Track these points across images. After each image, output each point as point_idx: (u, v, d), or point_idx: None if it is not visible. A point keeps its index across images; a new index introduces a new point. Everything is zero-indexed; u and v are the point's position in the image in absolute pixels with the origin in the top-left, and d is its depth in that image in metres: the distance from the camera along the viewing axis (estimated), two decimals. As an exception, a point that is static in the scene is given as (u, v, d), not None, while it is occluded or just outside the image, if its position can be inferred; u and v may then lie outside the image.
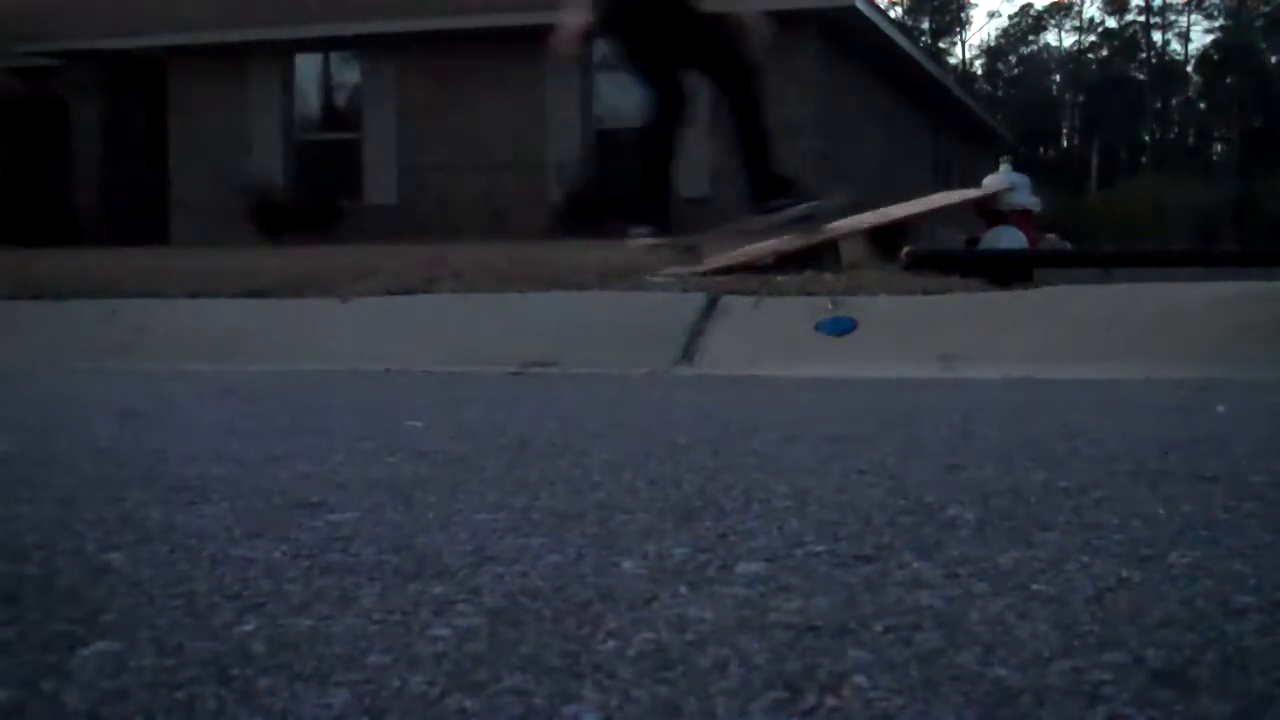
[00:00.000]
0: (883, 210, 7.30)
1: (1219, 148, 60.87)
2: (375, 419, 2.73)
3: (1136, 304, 3.78)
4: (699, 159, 17.78)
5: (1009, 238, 6.91)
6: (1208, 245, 32.69)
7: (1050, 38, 68.38)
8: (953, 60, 65.38)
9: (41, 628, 1.15)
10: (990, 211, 7.17)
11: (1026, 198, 7.20)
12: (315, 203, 17.61)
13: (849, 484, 1.82)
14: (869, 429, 2.43)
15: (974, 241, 7.04)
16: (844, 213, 6.75)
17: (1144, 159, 58.24)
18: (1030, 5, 78.31)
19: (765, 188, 6.15)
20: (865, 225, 7.18)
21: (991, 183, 7.29)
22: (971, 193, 7.42)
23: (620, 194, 16.36)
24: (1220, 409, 2.64)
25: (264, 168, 18.08)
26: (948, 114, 26.99)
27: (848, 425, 2.51)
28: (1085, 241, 29.60)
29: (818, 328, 3.78)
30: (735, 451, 2.15)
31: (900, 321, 3.82)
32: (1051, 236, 7.60)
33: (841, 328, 3.75)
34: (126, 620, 1.17)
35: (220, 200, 17.96)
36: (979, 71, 66.56)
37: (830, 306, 3.86)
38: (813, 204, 6.21)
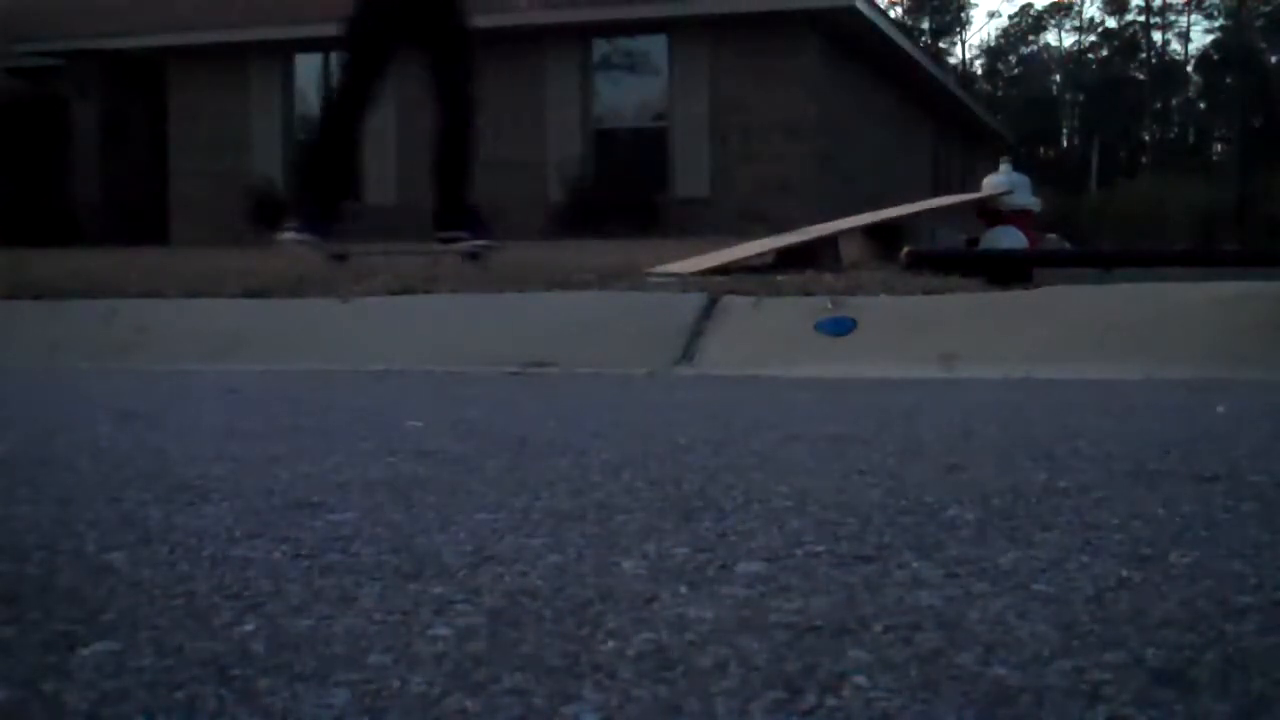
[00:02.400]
0: (883, 211, 7.31)
1: (1219, 147, 60.83)
2: (375, 419, 2.73)
3: (1136, 304, 3.78)
4: (699, 158, 17.84)
5: (1009, 238, 6.91)
6: (1208, 244, 32.69)
7: (1050, 38, 68.38)
8: (953, 60, 65.36)
9: (41, 628, 1.15)
10: (990, 211, 7.17)
11: (1026, 198, 7.20)
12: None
13: (849, 484, 1.82)
14: (869, 429, 2.43)
15: (974, 241, 7.04)
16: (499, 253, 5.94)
17: (1144, 159, 58.21)
18: (1030, 5, 78.27)
19: (449, 211, 5.78)
20: (864, 224, 7.19)
21: (992, 183, 7.29)
22: (972, 195, 7.41)
23: (621, 194, 16.45)
24: (1220, 409, 2.64)
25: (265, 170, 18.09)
26: (948, 114, 27.00)
27: (847, 425, 2.51)
28: (1086, 241, 29.58)
29: (817, 327, 3.78)
30: (735, 451, 2.15)
31: (900, 321, 3.82)
32: (1052, 236, 7.62)
33: (841, 328, 3.75)
34: (126, 620, 1.17)
35: (221, 200, 17.96)
36: (979, 71, 66.56)
37: (829, 306, 3.86)
38: (483, 243, 5.75)
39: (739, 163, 17.45)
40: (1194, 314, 3.66)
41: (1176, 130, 64.53)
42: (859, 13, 17.38)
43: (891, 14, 64.07)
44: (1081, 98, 63.60)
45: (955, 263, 4.95)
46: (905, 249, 5.25)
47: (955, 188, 23.90)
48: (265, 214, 17.34)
